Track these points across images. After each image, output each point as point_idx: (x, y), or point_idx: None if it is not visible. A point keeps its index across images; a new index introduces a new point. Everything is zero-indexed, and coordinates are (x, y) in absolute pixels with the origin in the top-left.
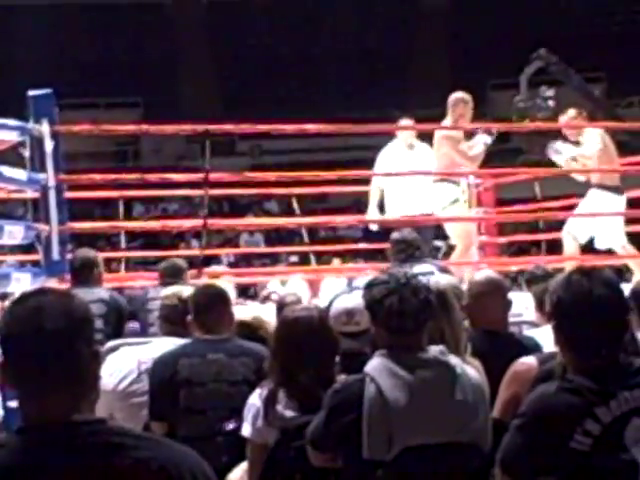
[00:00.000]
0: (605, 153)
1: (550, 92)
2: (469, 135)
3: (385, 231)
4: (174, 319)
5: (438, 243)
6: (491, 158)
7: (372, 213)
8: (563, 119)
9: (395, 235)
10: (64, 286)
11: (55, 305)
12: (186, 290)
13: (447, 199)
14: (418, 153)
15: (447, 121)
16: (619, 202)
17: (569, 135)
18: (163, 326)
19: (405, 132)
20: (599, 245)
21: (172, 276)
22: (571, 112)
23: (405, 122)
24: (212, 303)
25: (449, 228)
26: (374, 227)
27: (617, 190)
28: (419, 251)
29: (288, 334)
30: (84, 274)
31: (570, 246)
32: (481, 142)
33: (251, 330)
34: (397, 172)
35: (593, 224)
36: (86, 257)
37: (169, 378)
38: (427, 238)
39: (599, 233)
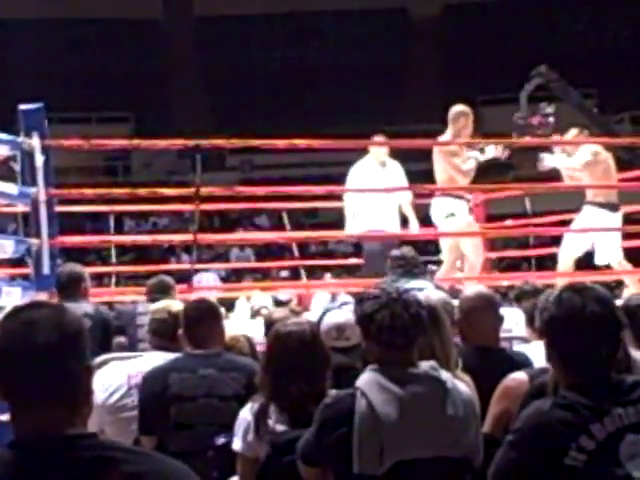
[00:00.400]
0: (597, 169)
1: (550, 109)
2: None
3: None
4: (164, 333)
5: (432, 267)
6: (481, 174)
7: (351, 227)
8: (568, 137)
9: (395, 252)
10: (55, 300)
11: (47, 319)
12: (176, 304)
13: (443, 213)
14: (389, 170)
15: (447, 135)
16: (613, 219)
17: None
18: (153, 340)
19: (377, 149)
20: (598, 261)
21: (160, 292)
22: (573, 131)
23: (378, 138)
24: (203, 317)
25: (441, 242)
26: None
27: (612, 207)
28: (417, 268)
29: (280, 348)
30: (71, 289)
31: (564, 264)
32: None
33: (225, 348)
34: (385, 188)
35: (589, 241)
36: (73, 272)
37: (159, 393)
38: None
39: (596, 249)
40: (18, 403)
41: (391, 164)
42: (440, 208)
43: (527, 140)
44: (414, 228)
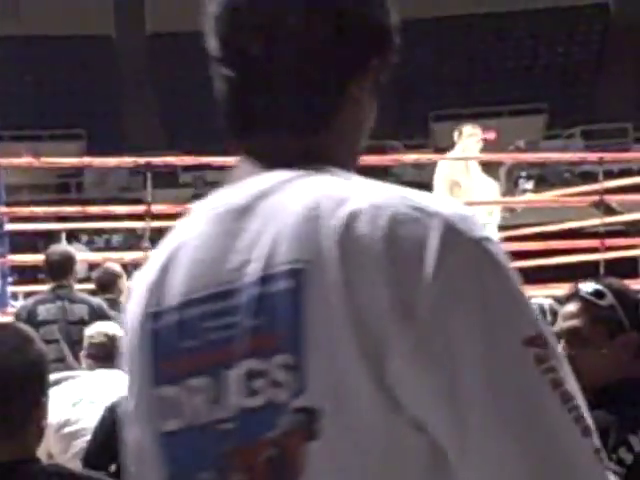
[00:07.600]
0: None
1: (529, 185)
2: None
3: None
4: (103, 357)
5: None
6: None
7: None
8: None
9: None
10: (6, 318)
11: (10, 344)
12: (111, 327)
13: None
14: None
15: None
16: None
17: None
18: (90, 364)
19: None
20: None
21: (104, 287)
22: None
23: None
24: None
25: None
26: None
27: None
28: None
29: None
30: (64, 273)
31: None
32: None
33: None
34: None
35: None
36: (65, 252)
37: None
38: None
39: None
40: None
41: None
42: None
43: (475, 157)
44: None
